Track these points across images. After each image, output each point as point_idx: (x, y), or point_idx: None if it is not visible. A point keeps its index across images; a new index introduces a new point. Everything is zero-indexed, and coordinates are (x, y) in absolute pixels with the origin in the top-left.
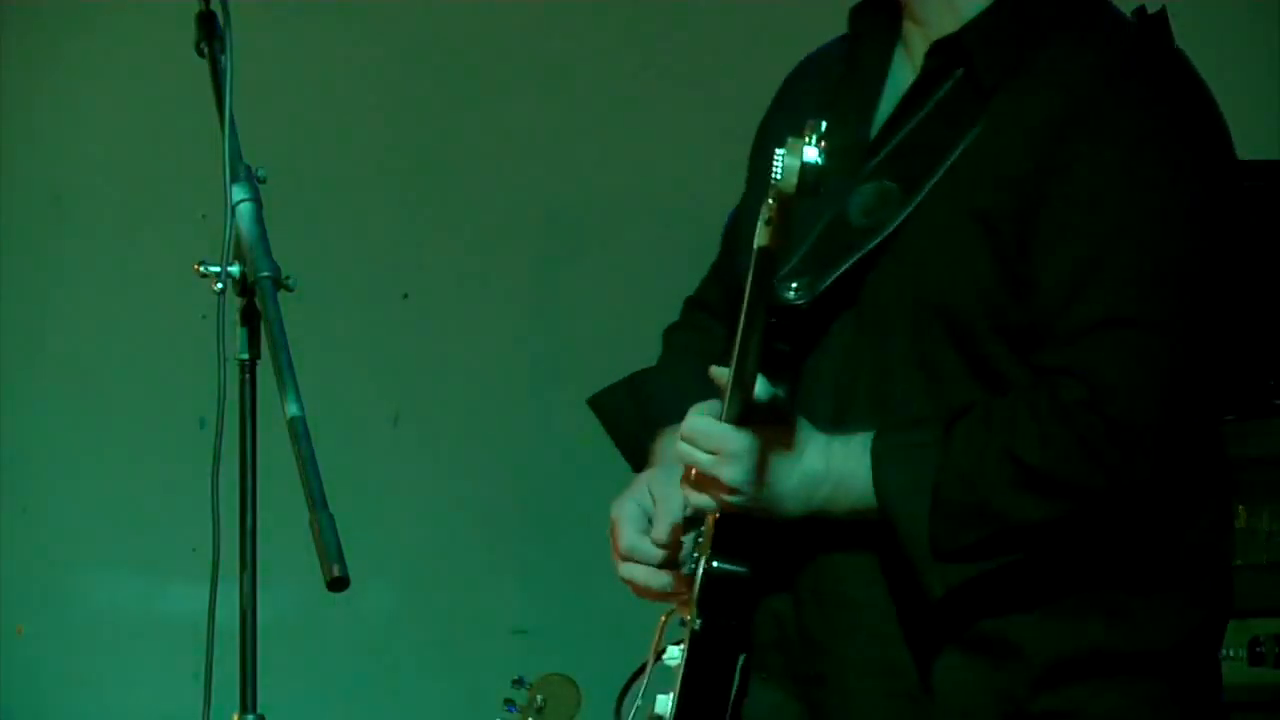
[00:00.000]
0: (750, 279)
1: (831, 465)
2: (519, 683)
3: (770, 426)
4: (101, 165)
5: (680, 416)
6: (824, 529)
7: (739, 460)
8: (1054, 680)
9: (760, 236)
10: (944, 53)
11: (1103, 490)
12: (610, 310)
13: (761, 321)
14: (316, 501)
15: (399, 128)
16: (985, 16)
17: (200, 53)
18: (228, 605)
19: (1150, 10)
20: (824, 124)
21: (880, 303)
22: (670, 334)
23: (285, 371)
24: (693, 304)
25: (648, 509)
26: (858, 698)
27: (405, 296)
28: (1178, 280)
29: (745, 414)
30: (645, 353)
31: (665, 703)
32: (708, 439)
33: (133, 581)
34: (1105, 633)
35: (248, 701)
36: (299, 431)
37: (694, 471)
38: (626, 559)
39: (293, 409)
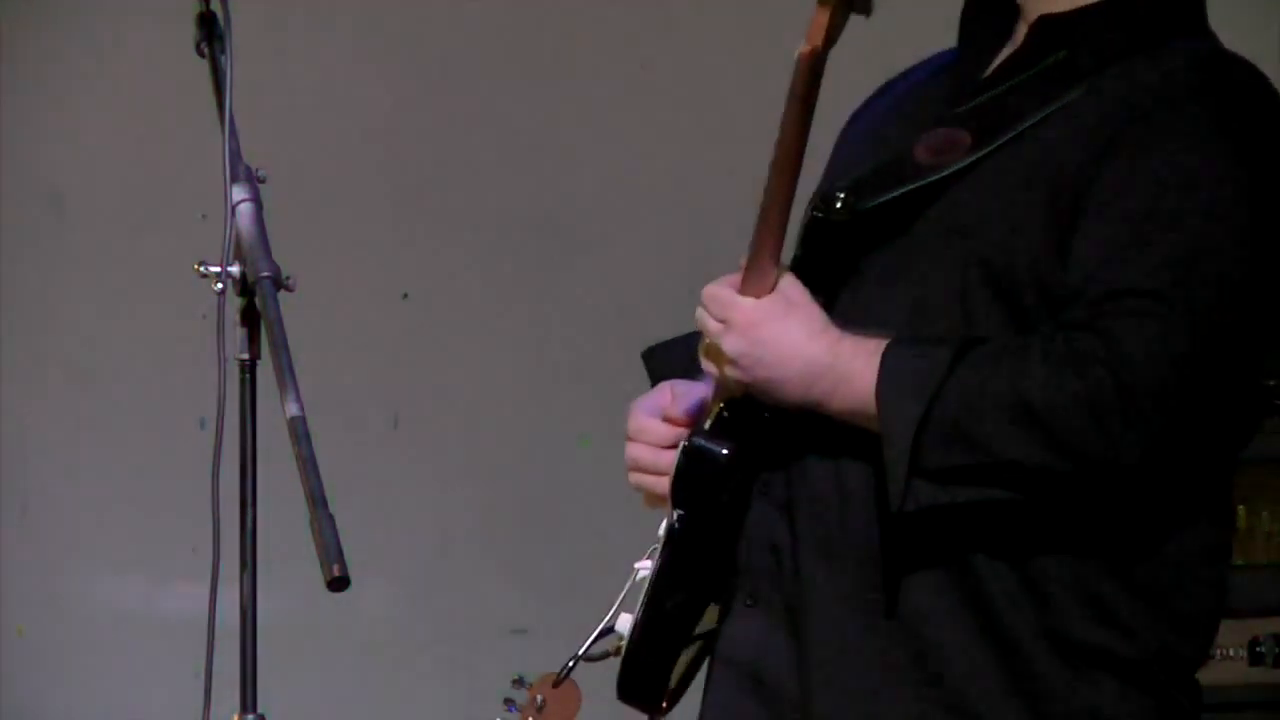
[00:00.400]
0: (789, 94)
1: (839, 359)
2: (519, 683)
3: (783, 305)
4: (101, 165)
5: None
6: (826, 450)
7: (744, 332)
8: (1037, 636)
9: (805, 41)
10: (1050, 30)
11: (1094, 452)
12: (610, 310)
13: (793, 165)
14: (316, 501)
15: (399, 128)
16: (1098, 7)
17: (200, 53)
18: (228, 605)
19: None
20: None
21: (927, 243)
22: None
23: (285, 371)
24: None
25: (663, 404)
26: (845, 631)
27: (405, 296)
28: (1216, 275)
29: (767, 287)
30: None
31: (627, 621)
32: (718, 304)
33: (133, 581)
34: (1080, 615)
35: (248, 701)
36: (299, 431)
37: (705, 342)
38: (632, 439)
39: (293, 409)
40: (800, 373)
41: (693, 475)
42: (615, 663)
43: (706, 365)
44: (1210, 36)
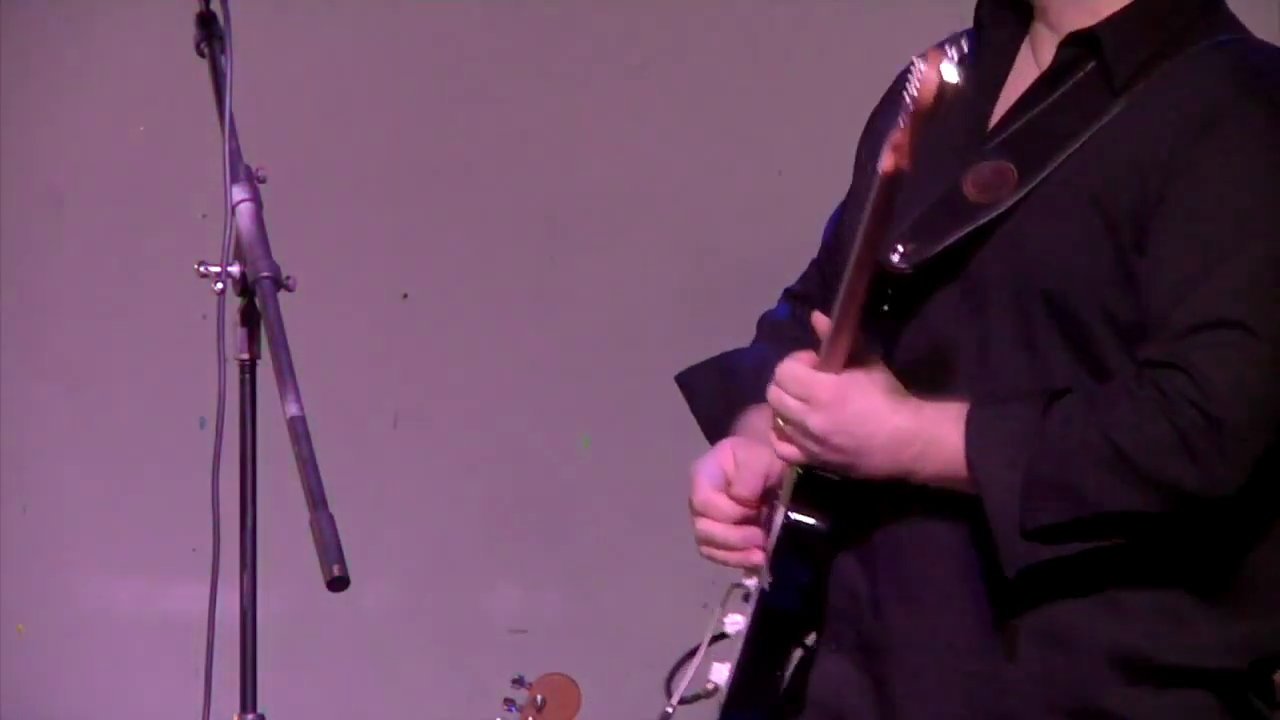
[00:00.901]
0: (870, 207)
1: (923, 425)
2: (519, 683)
3: (863, 379)
4: (101, 165)
5: (760, 396)
6: (905, 497)
7: (828, 408)
8: (1118, 679)
9: (885, 160)
10: (1078, 44)
11: (1192, 489)
12: (610, 310)
13: (873, 261)
14: (316, 501)
15: (399, 128)
16: (1122, 15)
17: (200, 53)
18: (228, 605)
19: None
20: (964, 41)
21: (986, 279)
22: (764, 319)
23: (285, 371)
24: (791, 295)
25: (727, 470)
26: (925, 676)
27: (405, 296)
28: None
29: (840, 364)
30: (645, 352)
31: (722, 671)
32: (798, 384)
33: (133, 581)
34: (1171, 640)
35: (248, 701)
36: (299, 431)
37: (781, 422)
38: (700, 514)
39: (293, 409)
40: (886, 444)
41: (792, 550)
42: (615, 663)
43: (781, 446)
44: (1238, 27)
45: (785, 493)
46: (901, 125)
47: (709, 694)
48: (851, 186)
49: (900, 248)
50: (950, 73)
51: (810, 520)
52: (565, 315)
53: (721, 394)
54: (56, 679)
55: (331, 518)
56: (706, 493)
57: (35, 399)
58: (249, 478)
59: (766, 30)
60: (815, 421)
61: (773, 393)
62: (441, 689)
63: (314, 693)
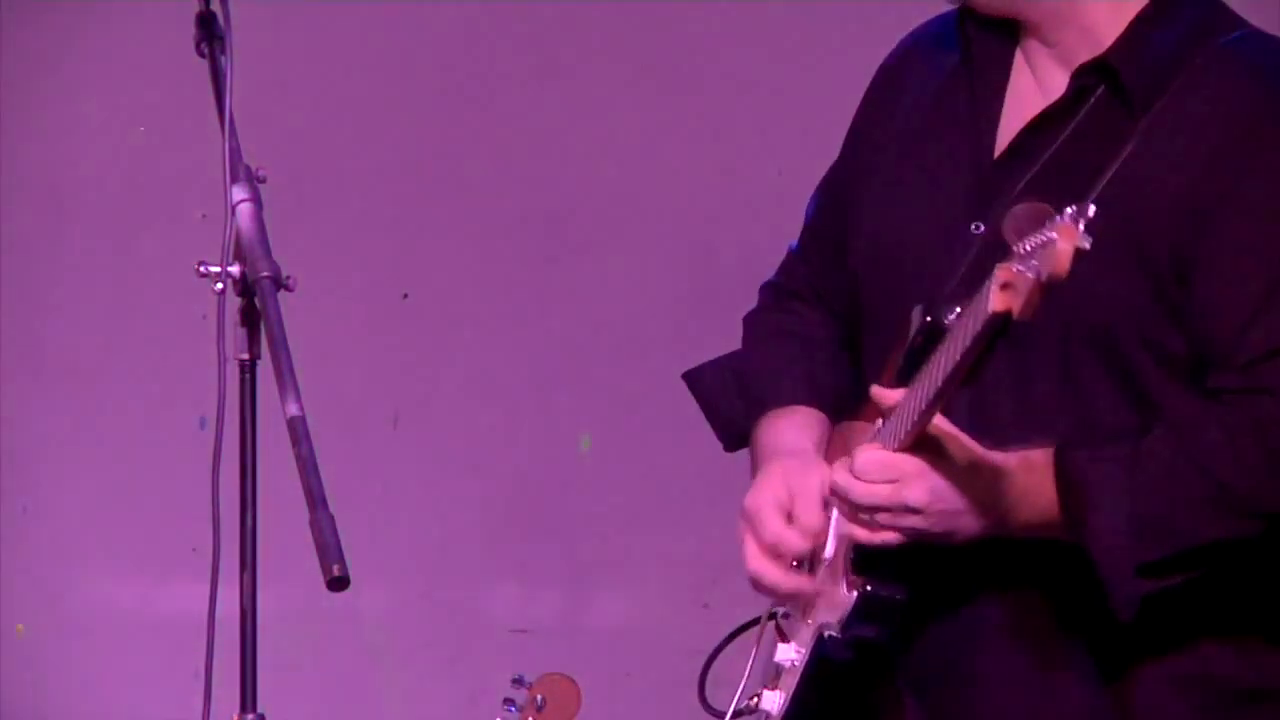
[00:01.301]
0: (971, 340)
1: (1012, 478)
2: (519, 683)
3: (942, 448)
4: (101, 165)
5: (782, 398)
6: (987, 560)
7: (921, 478)
8: (1242, 709)
9: (997, 300)
10: (1090, 74)
11: None
12: (610, 310)
13: (964, 380)
14: (316, 501)
15: (399, 128)
16: (1129, 37)
17: (200, 53)
18: (228, 605)
19: None
20: (1092, 209)
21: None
22: (753, 318)
23: (285, 371)
24: (775, 289)
25: (783, 501)
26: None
27: (405, 296)
28: None
29: (914, 443)
30: (645, 352)
31: (773, 699)
32: (881, 469)
33: (133, 581)
34: (1235, 661)
35: (248, 701)
36: (299, 431)
37: (857, 508)
38: (772, 549)
39: (293, 409)
40: (981, 499)
41: (867, 616)
42: (615, 663)
43: (881, 534)
44: (1238, 20)
45: (845, 548)
46: (1018, 271)
47: (752, 711)
48: (840, 160)
49: (959, 308)
50: (1085, 241)
51: (888, 592)
52: (565, 315)
53: (738, 395)
54: (56, 679)
55: (331, 518)
56: (777, 528)
57: (35, 399)
58: (249, 478)
59: (766, 30)
60: (912, 495)
61: (856, 487)
62: (441, 689)
63: (314, 693)
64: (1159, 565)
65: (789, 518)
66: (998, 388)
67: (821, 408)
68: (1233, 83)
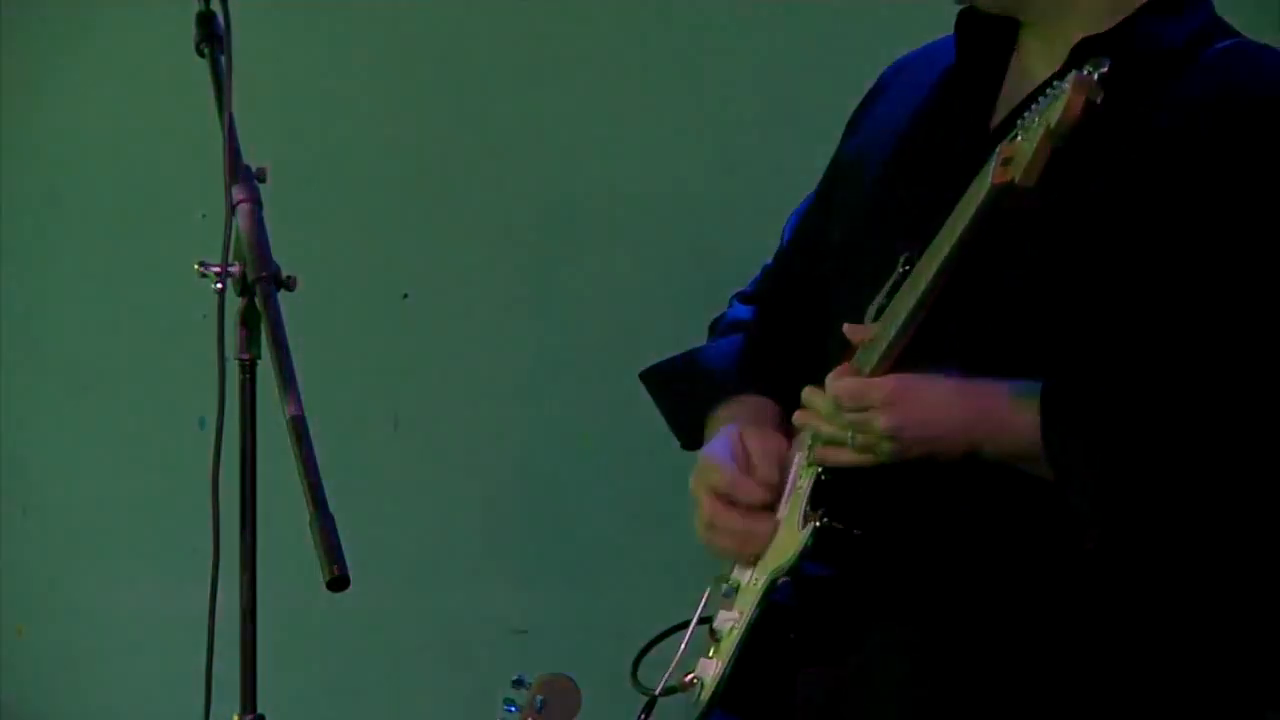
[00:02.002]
0: (973, 218)
1: (994, 404)
2: (519, 683)
3: (919, 374)
4: (101, 165)
5: (737, 390)
6: (941, 494)
7: (895, 406)
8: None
9: (996, 174)
10: (1091, 47)
11: (1253, 482)
12: (610, 310)
13: (952, 267)
14: (316, 501)
15: (399, 128)
16: (1133, 21)
17: (200, 53)
18: (228, 605)
19: None
20: (1106, 64)
21: (998, 287)
22: (718, 321)
23: (285, 371)
24: (745, 299)
25: (740, 458)
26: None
27: (405, 296)
28: None
29: (888, 368)
30: (645, 352)
31: (709, 666)
32: (854, 395)
33: (133, 581)
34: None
35: (248, 701)
36: (299, 431)
37: (851, 434)
38: (726, 499)
39: (293, 409)
40: (960, 424)
41: (820, 554)
42: (615, 663)
43: (842, 454)
44: (1237, 34)
45: (803, 495)
46: (1021, 140)
47: (687, 687)
48: (821, 190)
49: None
50: (1097, 94)
51: (842, 526)
52: (565, 315)
53: (688, 391)
54: (56, 679)
55: (331, 518)
56: (733, 476)
57: (35, 399)
58: (249, 478)
59: (766, 30)
60: (885, 420)
61: (819, 404)
62: (441, 689)
63: (314, 693)
64: (1128, 508)
65: (746, 470)
66: (955, 344)
67: (777, 401)
68: (1239, 77)
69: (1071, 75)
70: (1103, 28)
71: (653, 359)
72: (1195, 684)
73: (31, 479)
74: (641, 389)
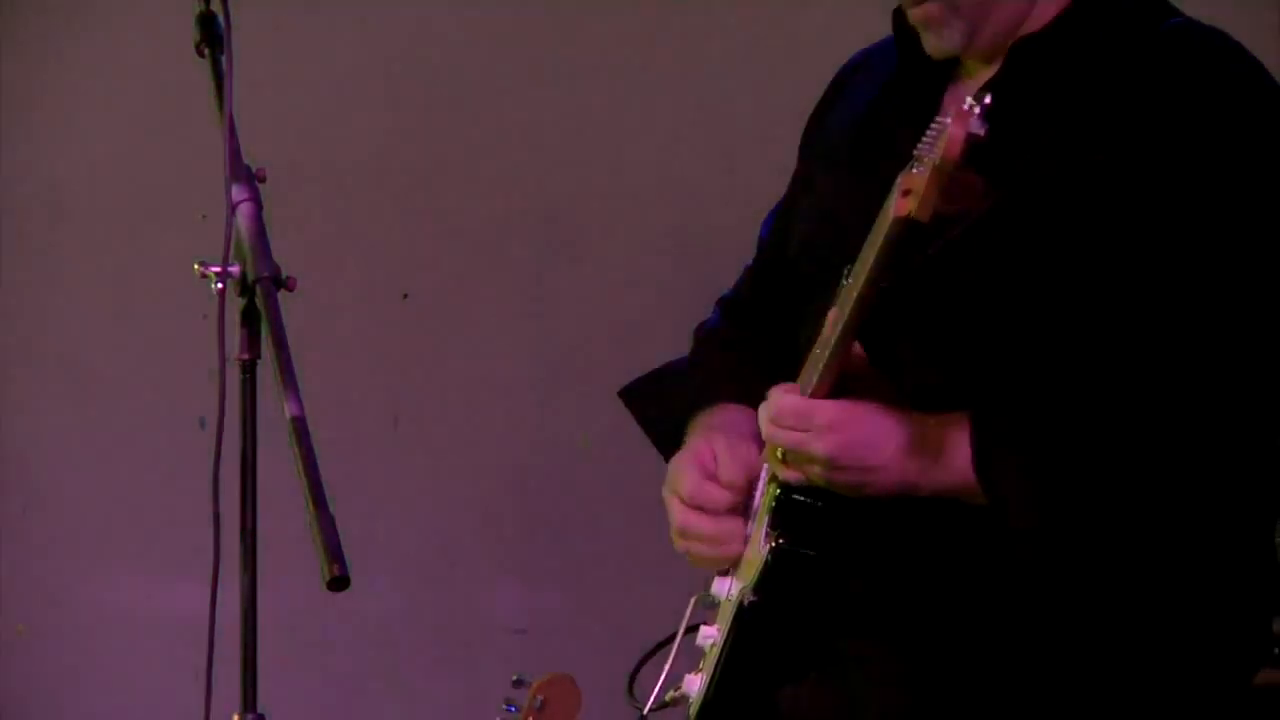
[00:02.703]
0: (880, 249)
1: (928, 438)
2: (519, 683)
3: (860, 401)
4: (101, 165)
5: (716, 400)
6: (900, 517)
7: (832, 431)
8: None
9: (898, 204)
10: (1031, 50)
11: (1184, 490)
12: (610, 310)
13: (875, 296)
14: (316, 501)
15: (399, 128)
16: (1065, 17)
17: (200, 53)
18: (228, 605)
19: None
20: (988, 97)
21: (945, 290)
22: (701, 331)
23: (285, 371)
24: (725, 302)
25: (707, 464)
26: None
27: (405, 296)
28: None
29: (828, 389)
30: (645, 352)
31: (694, 682)
32: (796, 415)
33: (133, 581)
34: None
35: (248, 701)
36: (299, 431)
37: (781, 451)
38: (689, 504)
39: (293, 409)
40: (894, 457)
41: (779, 575)
42: (615, 663)
43: (785, 471)
44: (1175, 10)
45: (762, 514)
46: (916, 172)
47: (677, 701)
48: (791, 189)
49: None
50: (977, 125)
51: (801, 549)
52: (565, 315)
53: (668, 406)
54: (56, 679)
55: (331, 518)
56: (698, 481)
57: (35, 399)
58: (249, 478)
59: (766, 30)
60: (820, 447)
61: (768, 428)
62: (441, 689)
63: (314, 693)
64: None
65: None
66: (903, 356)
67: (754, 406)
68: (1176, 67)
69: (953, 111)
70: (1037, 19)
71: (652, 358)
72: (1176, 693)
73: (32, 479)
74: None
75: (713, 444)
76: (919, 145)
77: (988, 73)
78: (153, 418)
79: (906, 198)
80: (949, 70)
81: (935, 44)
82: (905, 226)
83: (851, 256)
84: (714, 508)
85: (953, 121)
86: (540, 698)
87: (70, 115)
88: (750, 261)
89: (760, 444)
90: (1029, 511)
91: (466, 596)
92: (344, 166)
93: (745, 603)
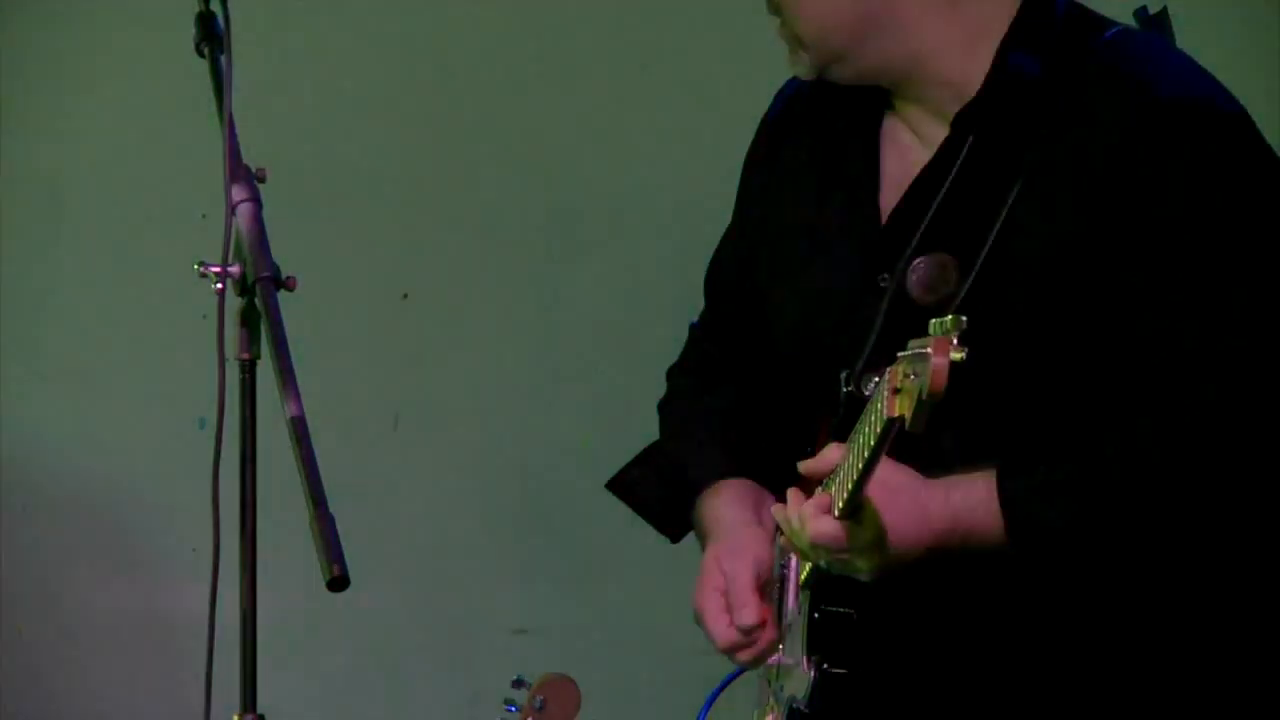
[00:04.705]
0: (878, 439)
1: (958, 518)
2: (519, 683)
3: (888, 502)
4: (102, 165)
5: (710, 477)
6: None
7: (871, 551)
8: None
9: (889, 406)
10: (964, 123)
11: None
12: (610, 310)
13: (875, 467)
14: (316, 501)
15: (399, 127)
16: (994, 74)
17: (200, 53)
18: (228, 605)
19: (1152, 10)
20: (965, 320)
21: None
22: (667, 407)
23: (285, 371)
24: (683, 372)
25: (724, 592)
26: None
27: (405, 296)
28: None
29: (859, 506)
30: (645, 353)
31: None
32: (837, 541)
33: (133, 582)
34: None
35: (248, 701)
36: (299, 431)
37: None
38: (730, 649)
39: (293, 409)
40: (932, 547)
41: (826, 692)
42: (615, 663)
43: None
44: (1105, 21)
45: (803, 622)
46: (907, 381)
47: None
48: (732, 229)
49: (876, 379)
50: (959, 354)
51: (837, 608)
52: (566, 315)
53: (667, 489)
54: (56, 679)
55: (331, 518)
56: (727, 635)
57: (35, 399)
58: (249, 478)
59: (766, 30)
60: (864, 564)
61: (805, 545)
62: (441, 689)
63: (314, 693)
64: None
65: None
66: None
67: (749, 476)
68: (1116, 99)
69: (932, 344)
70: (968, 85)
71: (653, 359)
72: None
73: (31, 479)
74: (642, 388)
75: (721, 563)
76: (900, 353)
77: (925, 137)
78: (153, 418)
79: (896, 397)
80: (879, 125)
81: (791, 66)
82: (899, 423)
83: (835, 343)
84: (750, 643)
85: (934, 351)
86: (540, 698)
87: (70, 115)
88: (694, 322)
89: (768, 527)
90: (1076, 552)
91: (466, 596)
92: (344, 166)
93: (795, 708)
